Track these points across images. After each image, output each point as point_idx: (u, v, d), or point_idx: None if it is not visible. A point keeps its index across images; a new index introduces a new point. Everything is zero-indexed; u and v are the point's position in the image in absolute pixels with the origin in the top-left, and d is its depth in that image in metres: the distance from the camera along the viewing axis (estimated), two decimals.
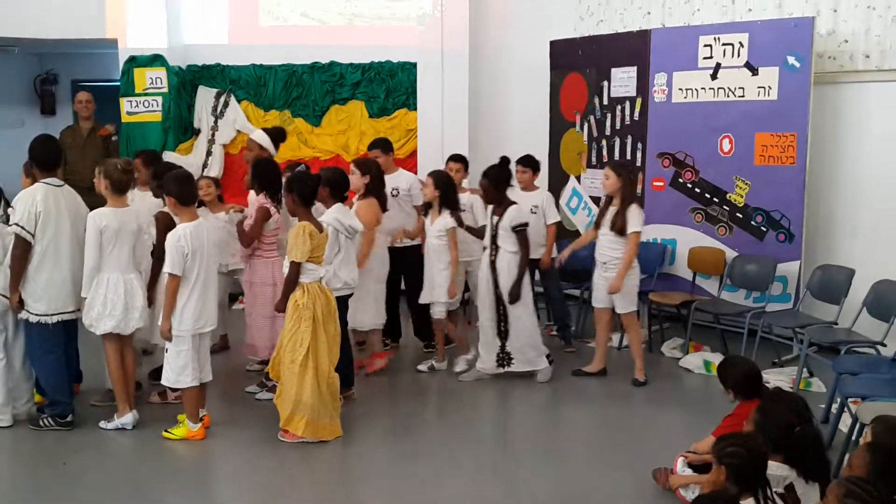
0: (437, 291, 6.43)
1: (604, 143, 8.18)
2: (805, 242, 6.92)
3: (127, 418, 5.39)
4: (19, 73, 11.63)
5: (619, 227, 6.21)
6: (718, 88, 7.24)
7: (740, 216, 7.23)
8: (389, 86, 9.23)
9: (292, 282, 5.18)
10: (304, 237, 5.11)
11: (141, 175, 6.15)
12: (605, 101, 8.14)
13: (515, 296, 6.19)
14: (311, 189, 5.37)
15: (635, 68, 7.79)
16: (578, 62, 8.39)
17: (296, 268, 5.16)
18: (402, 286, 7.11)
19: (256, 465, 4.97)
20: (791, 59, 6.79)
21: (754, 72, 7.01)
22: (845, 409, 5.15)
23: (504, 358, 6.36)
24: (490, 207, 6.37)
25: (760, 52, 6.96)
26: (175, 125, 9.25)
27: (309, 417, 5.15)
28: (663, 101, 7.60)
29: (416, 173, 7.75)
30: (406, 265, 6.83)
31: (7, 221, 5.30)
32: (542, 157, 8.16)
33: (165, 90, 9.15)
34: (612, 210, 6.29)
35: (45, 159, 5.39)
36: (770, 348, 6.77)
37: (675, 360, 6.95)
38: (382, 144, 7.12)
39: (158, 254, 5.50)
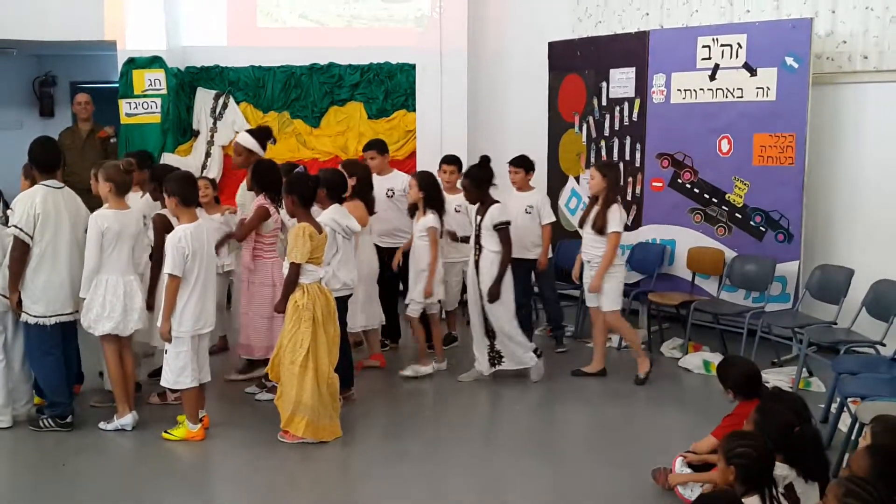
0: (417, 289, 6.44)
1: (602, 143, 8.19)
2: (804, 242, 6.93)
3: (126, 419, 5.39)
4: (18, 74, 11.63)
5: (599, 227, 6.26)
6: (717, 89, 7.25)
7: (739, 216, 7.24)
8: (388, 87, 9.24)
9: (292, 283, 5.18)
10: (304, 238, 5.12)
11: (133, 177, 6.13)
12: (604, 102, 8.14)
13: (494, 294, 6.16)
14: (311, 190, 5.38)
15: (634, 69, 7.80)
16: (577, 63, 8.40)
17: (296, 269, 5.16)
18: (402, 287, 7.10)
19: (256, 465, 4.97)
20: (789, 60, 6.80)
21: (753, 73, 7.02)
22: (845, 408, 5.15)
23: (495, 357, 6.37)
24: (475, 207, 6.37)
25: (759, 53, 6.96)
26: (174, 127, 9.26)
27: (309, 418, 5.15)
28: (662, 101, 7.61)
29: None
30: (405, 266, 6.82)
31: (6, 223, 5.30)
32: (541, 158, 8.17)
33: (164, 92, 9.16)
34: (595, 210, 6.33)
35: (45, 161, 5.39)
36: (769, 348, 6.78)
37: (675, 361, 6.96)
38: (378, 145, 7.12)
39: (157, 256, 5.50)
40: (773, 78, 6.91)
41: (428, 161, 8.44)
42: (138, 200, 6.08)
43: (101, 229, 5.17)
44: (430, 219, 6.36)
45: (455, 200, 6.87)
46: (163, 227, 5.50)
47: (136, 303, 5.34)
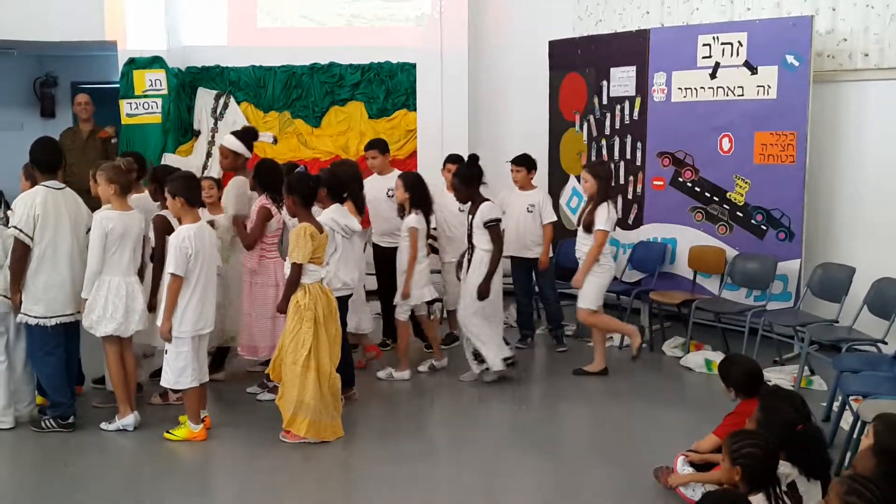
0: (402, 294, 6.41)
1: (603, 142, 8.19)
2: (805, 241, 6.93)
3: (128, 420, 5.39)
4: (19, 75, 11.64)
5: (587, 224, 6.27)
6: (718, 87, 7.24)
7: (740, 215, 7.23)
8: (389, 87, 9.24)
9: (294, 283, 5.18)
10: (306, 238, 5.12)
11: (134, 176, 6.12)
12: (605, 101, 8.14)
13: (484, 292, 6.14)
14: (311, 190, 5.38)
15: (634, 68, 7.80)
16: (577, 62, 8.40)
17: (297, 269, 5.16)
18: None
19: (258, 465, 4.97)
20: (790, 58, 6.79)
21: (753, 71, 7.01)
22: (847, 407, 5.15)
23: (478, 355, 6.35)
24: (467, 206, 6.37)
25: (759, 51, 6.96)
26: (175, 127, 9.25)
27: (311, 418, 5.15)
28: (662, 100, 7.60)
29: None
30: None
31: (7, 224, 5.30)
32: (542, 157, 8.18)
33: (165, 92, 9.15)
34: (589, 208, 6.37)
35: (46, 162, 5.39)
36: (771, 347, 6.77)
37: (677, 359, 6.95)
38: (379, 145, 7.12)
39: (159, 256, 5.50)
40: (773, 76, 6.90)
41: (429, 160, 8.45)
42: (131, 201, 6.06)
43: (106, 230, 5.17)
44: (411, 219, 6.34)
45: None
46: (163, 229, 5.50)
47: (137, 304, 5.35)
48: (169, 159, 8.79)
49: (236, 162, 6.29)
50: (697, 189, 7.48)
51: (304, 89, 9.34)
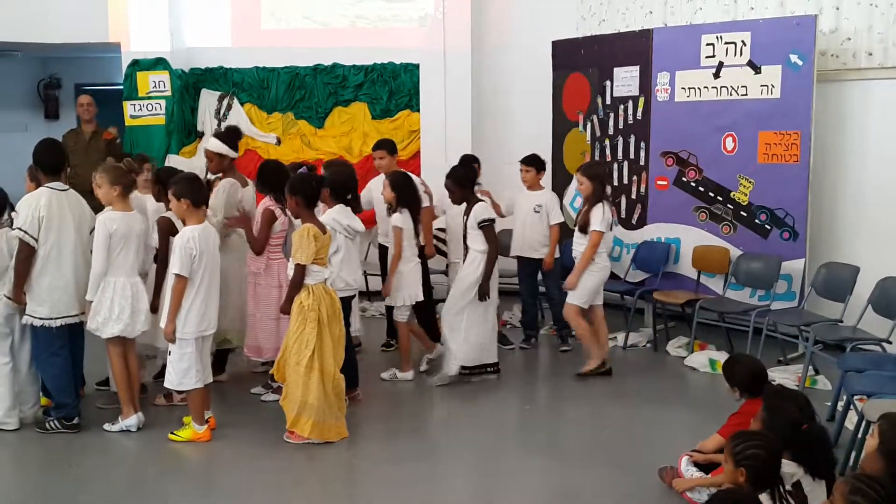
0: (398, 295, 6.36)
1: (607, 142, 8.18)
2: (809, 240, 6.92)
3: (131, 420, 5.40)
4: (23, 77, 11.67)
5: (582, 225, 6.28)
6: (721, 87, 7.24)
7: (744, 214, 7.22)
8: (392, 87, 9.24)
9: (297, 284, 5.18)
10: (309, 239, 5.12)
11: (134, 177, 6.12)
12: (608, 101, 8.14)
13: (484, 292, 6.15)
14: (314, 191, 5.38)
15: (638, 67, 7.79)
16: (581, 62, 8.39)
17: (301, 270, 5.16)
18: None
19: (262, 466, 4.97)
20: (794, 58, 6.78)
21: (757, 70, 7.01)
22: (851, 406, 5.14)
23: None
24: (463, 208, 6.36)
25: (763, 51, 6.95)
26: (178, 128, 9.27)
27: (315, 419, 5.15)
28: (666, 100, 7.60)
29: (419, 175, 7.75)
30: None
31: (12, 225, 5.31)
32: (546, 157, 8.13)
33: (168, 93, 9.17)
34: (584, 209, 6.38)
35: (49, 163, 5.40)
36: (775, 346, 6.76)
37: (681, 359, 6.95)
38: (388, 145, 7.12)
39: (162, 257, 5.50)
40: (777, 75, 6.89)
41: (432, 161, 8.46)
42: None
43: (110, 231, 5.18)
44: (395, 218, 6.32)
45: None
46: (167, 230, 5.50)
47: (142, 304, 5.36)
48: (173, 161, 8.80)
49: (222, 164, 6.20)
50: (701, 189, 7.47)
51: (308, 90, 9.36)
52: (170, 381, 5.25)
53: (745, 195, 7.19)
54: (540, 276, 7.31)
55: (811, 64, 6.70)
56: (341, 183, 5.80)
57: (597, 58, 8.22)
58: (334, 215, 5.65)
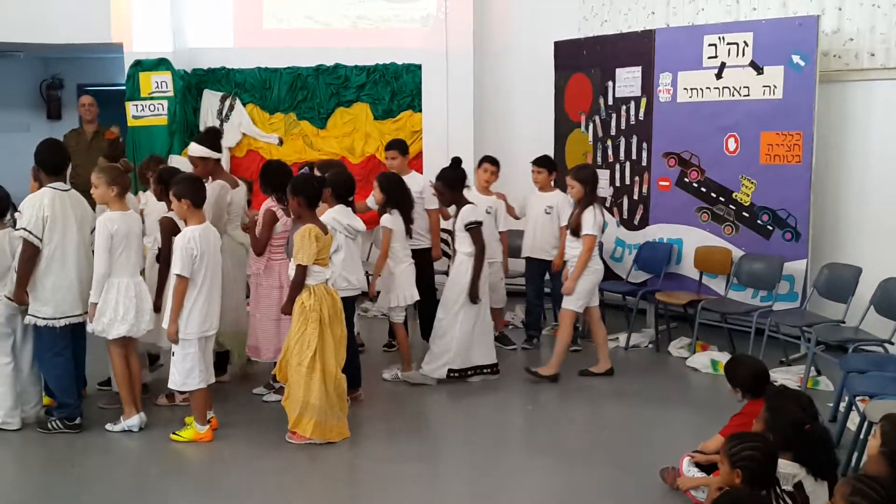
0: (390, 296, 6.34)
1: (609, 143, 8.18)
2: (812, 241, 6.91)
3: (133, 420, 5.40)
4: (25, 77, 11.69)
5: (574, 229, 6.28)
6: (723, 88, 7.24)
7: (746, 215, 7.22)
8: (394, 88, 9.25)
9: (299, 284, 5.19)
10: (310, 240, 5.12)
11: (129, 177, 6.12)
12: (610, 102, 8.14)
13: (474, 296, 6.16)
14: (316, 191, 5.38)
15: (640, 68, 7.79)
16: (583, 63, 8.40)
17: (302, 270, 5.16)
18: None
19: (264, 466, 4.98)
20: (796, 58, 6.78)
21: (759, 71, 7.00)
22: (853, 407, 5.13)
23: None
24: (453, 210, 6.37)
25: (765, 51, 6.95)
26: (181, 129, 9.28)
27: (317, 419, 5.15)
28: (668, 100, 7.60)
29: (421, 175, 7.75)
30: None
31: (15, 226, 5.32)
32: None
33: (171, 94, 9.18)
34: (576, 212, 6.39)
35: (51, 163, 5.41)
36: (777, 347, 6.76)
37: (683, 360, 6.94)
38: (400, 146, 7.11)
39: (165, 257, 5.50)
40: (779, 76, 6.89)
41: (434, 161, 8.44)
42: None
43: (111, 232, 5.18)
44: (384, 218, 6.30)
45: (486, 202, 6.92)
46: (170, 230, 5.51)
47: (146, 304, 5.37)
48: (175, 161, 8.79)
49: (207, 167, 6.07)
50: (703, 189, 7.47)
51: (310, 91, 9.36)
52: (173, 382, 5.25)
53: (748, 196, 7.19)
54: (547, 277, 7.31)
55: (813, 64, 6.70)
56: (343, 183, 5.81)
57: (599, 58, 8.22)
58: (334, 215, 5.66)
